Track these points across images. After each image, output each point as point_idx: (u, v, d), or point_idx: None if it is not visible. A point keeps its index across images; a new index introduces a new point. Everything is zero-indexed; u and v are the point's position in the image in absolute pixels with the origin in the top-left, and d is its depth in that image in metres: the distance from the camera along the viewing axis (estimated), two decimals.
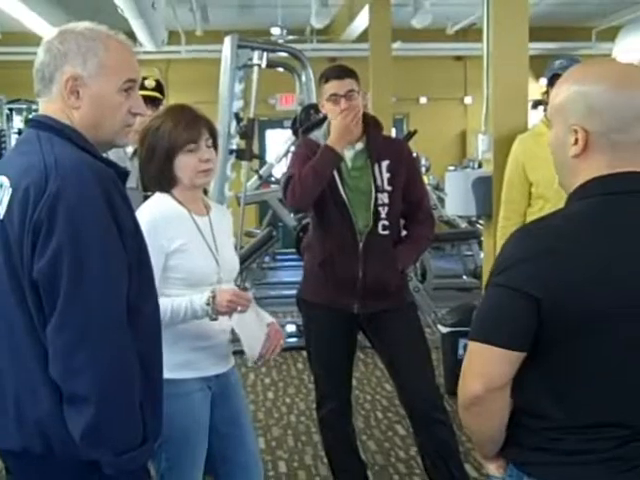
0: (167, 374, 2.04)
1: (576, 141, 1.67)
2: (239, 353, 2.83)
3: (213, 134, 2.77)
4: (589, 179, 1.68)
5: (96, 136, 1.92)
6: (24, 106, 12.09)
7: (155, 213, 2.66)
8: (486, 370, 1.66)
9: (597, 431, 1.65)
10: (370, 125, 3.65)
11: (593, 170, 1.68)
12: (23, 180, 1.78)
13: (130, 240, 1.85)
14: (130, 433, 1.81)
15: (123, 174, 1.94)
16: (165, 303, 2.53)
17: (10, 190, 1.81)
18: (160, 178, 2.73)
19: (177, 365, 2.55)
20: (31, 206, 1.75)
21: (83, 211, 1.75)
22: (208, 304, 2.60)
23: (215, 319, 2.64)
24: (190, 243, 2.66)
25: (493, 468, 1.82)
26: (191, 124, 2.70)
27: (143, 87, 3.56)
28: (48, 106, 1.92)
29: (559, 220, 1.70)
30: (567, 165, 1.72)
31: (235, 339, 2.81)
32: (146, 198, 2.86)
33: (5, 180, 1.84)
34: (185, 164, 2.69)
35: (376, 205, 3.57)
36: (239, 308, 2.67)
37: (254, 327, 2.78)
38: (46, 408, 1.79)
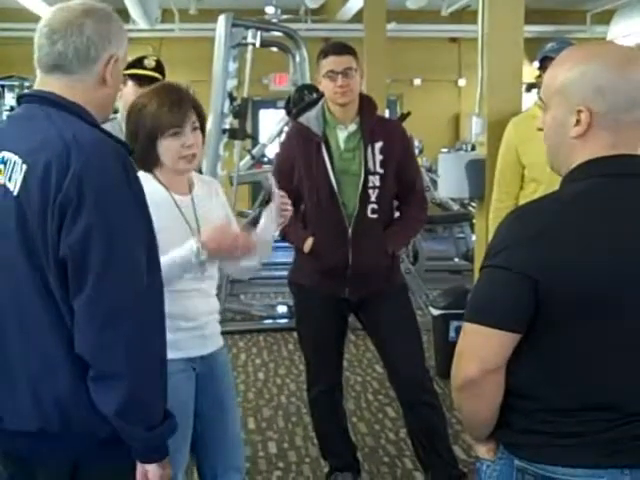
0: None
1: (577, 122, 1.66)
2: (229, 334, 2.80)
3: (201, 115, 2.69)
4: (585, 161, 1.68)
5: (103, 115, 1.95)
6: (16, 83, 11.99)
7: None
8: (481, 352, 1.65)
9: (589, 414, 1.64)
10: (364, 105, 3.61)
11: (593, 151, 1.67)
12: (40, 156, 1.77)
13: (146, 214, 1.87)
14: (158, 408, 1.83)
15: (129, 150, 1.95)
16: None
17: (24, 166, 1.78)
18: (144, 158, 2.64)
19: None
20: (54, 183, 1.74)
21: (110, 188, 1.76)
22: (198, 248, 2.53)
23: (204, 261, 2.56)
24: (169, 224, 2.53)
25: (484, 451, 1.81)
26: (176, 107, 2.61)
27: (142, 66, 3.49)
28: (64, 84, 1.88)
29: (554, 202, 1.69)
30: (565, 146, 1.71)
31: (224, 319, 2.78)
32: None
33: (11, 156, 1.81)
34: (168, 148, 2.62)
35: (366, 188, 3.53)
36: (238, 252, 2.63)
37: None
38: (66, 386, 1.79)
